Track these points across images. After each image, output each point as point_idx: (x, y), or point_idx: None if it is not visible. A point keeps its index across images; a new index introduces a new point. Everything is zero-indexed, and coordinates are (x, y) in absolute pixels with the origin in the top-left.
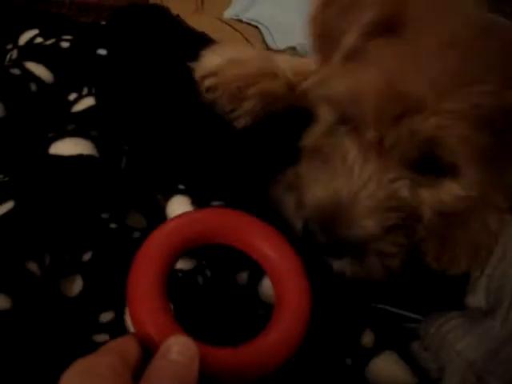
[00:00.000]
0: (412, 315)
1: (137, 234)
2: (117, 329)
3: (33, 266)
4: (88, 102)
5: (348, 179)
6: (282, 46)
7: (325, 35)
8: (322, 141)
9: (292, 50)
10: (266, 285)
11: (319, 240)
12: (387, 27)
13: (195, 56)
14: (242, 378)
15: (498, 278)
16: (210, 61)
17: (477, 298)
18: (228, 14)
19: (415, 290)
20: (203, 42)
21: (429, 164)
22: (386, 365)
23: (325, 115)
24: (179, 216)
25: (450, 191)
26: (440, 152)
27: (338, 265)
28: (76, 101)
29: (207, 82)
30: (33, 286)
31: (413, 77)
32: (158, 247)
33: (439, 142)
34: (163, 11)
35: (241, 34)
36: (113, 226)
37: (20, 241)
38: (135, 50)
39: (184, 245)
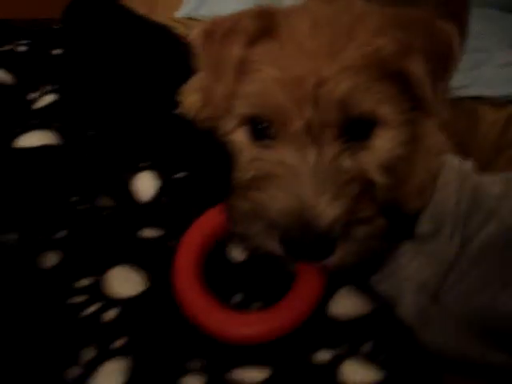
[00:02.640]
0: None
1: (106, 212)
2: (95, 291)
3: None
4: (48, 99)
5: (297, 180)
6: None
7: (214, 61)
8: (254, 166)
9: None
10: None
11: (305, 241)
12: (263, 35)
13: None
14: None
15: (440, 205)
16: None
17: (424, 225)
18: (179, 14)
19: None
20: (154, 28)
21: (357, 128)
22: (343, 297)
23: (238, 137)
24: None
25: (383, 144)
26: (357, 110)
27: (331, 262)
28: (36, 99)
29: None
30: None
31: (301, 60)
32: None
33: (353, 100)
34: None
35: None
36: (82, 207)
37: None
38: (92, 43)
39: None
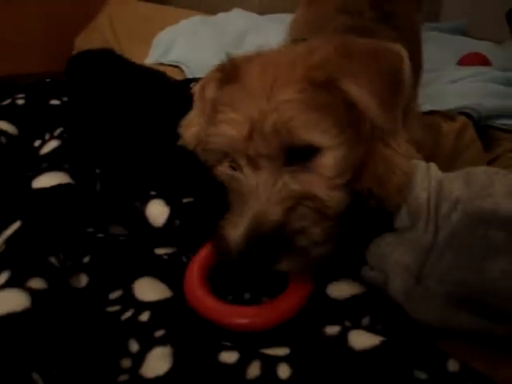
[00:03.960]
0: None
1: (122, 238)
2: (127, 299)
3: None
4: (52, 144)
5: (240, 200)
6: None
7: (202, 106)
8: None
9: None
10: None
11: (253, 250)
12: (229, 80)
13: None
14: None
15: (414, 201)
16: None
17: (403, 220)
18: (148, 60)
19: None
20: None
21: (300, 154)
22: (338, 283)
23: (221, 169)
24: None
25: (323, 166)
26: (292, 139)
27: (283, 266)
28: (41, 145)
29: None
30: (54, 273)
31: (249, 101)
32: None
33: (286, 131)
34: (113, 53)
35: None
36: (100, 235)
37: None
38: (95, 90)
39: None
